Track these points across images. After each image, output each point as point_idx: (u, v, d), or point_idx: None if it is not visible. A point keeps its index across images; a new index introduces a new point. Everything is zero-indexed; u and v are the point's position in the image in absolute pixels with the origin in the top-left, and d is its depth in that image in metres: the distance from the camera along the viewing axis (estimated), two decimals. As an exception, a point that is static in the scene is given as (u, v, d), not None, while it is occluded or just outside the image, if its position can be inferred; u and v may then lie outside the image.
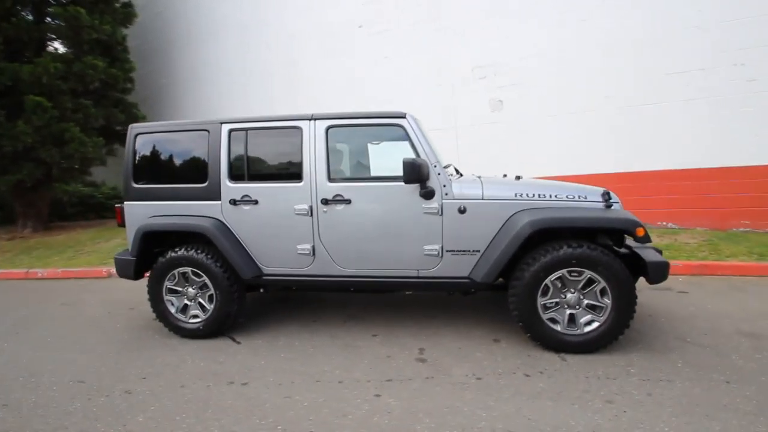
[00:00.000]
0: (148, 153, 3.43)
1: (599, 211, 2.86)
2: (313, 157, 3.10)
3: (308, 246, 3.14)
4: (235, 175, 3.23)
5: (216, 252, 3.23)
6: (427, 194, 2.96)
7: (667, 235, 5.94)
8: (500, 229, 2.93)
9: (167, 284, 3.33)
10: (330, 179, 3.09)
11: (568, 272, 2.76)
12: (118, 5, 9.16)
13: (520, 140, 7.27)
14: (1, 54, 7.50)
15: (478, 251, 2.98)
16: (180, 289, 3.35)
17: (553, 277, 2.77)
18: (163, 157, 3.42)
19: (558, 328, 2.82)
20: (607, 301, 2.75)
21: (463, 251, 2.99)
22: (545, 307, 2.83)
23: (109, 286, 5.35)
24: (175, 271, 3.29)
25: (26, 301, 4.79)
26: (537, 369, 2.65)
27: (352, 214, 3.07)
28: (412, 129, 3.02)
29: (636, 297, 2.75)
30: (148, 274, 3.45)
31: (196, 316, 3.34)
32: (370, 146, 3.70)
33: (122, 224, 3.51)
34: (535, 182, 3.18)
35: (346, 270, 3.15)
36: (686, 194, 6.31)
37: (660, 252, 3.03)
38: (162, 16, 11.19)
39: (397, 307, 3.88)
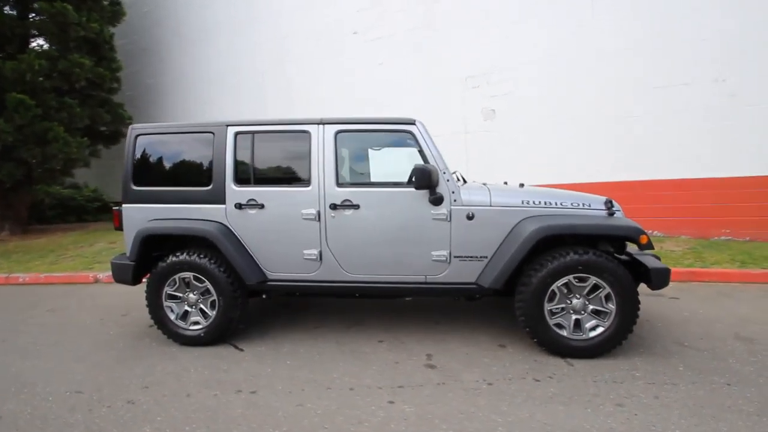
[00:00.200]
0: (149, 155, 3.34)
1: (604, 218, 2.94)
2: (322, 162, 3.08)
3: (315, 251, 3.11)
4: (241, 179, 3.18)
5: (219, 256, 3.16)
6: (436, 200, 2.98)
7: (654, 243, 6.12)
8: (507, 235, 2.98)
9: (167, 290, 3.24)
10: (339, 184, 3.08)
11: (574, 278, 2.82)
12: (106, 3, 8.95)
13: (510, 149, 7.41)
14: (-19, 49, 7.23)
15: (486, 257, 3.01)
16: (180, 294, 3.26)
17: (559, 283, 2.83)
18: (164, 159, 3.34)
19: (564, 333, 2.87)
20: (612, 306, 2.82)
21: (471, 257, 3.02)
22: (551, 313, 2.88)
23: (96, 291, 5.16)
24: (176, 277, 3.21)
25: (8, 308, 4.57)
26: (546, 374, 2.69)
27: (360, 220, 3.06)
28: (422, 135, 3.04)
29: (639, 302, 2.82)
30: (145, 280, 3.36)
31: (197, 323, 3.25)
32: (371, 152, 3.71)
33: (119, 227, 3.40)
34: (539, 190, 3.24)
35: (354, 275, 3.13)
36: (671, 203, 6.54)
37: (659, 259, 3.13)
38: (150, 16, 11.00)
39: (400, 313, 3.88)
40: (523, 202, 3.00)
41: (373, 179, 3.56)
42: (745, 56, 6.01)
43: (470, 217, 2.99)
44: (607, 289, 2.80)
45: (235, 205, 3.15)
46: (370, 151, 3.70)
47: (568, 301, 2.88)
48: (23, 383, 2.76)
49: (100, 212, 11.53)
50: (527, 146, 7.31)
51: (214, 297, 3.18)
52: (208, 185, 3.21)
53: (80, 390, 2.65)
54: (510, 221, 2.98)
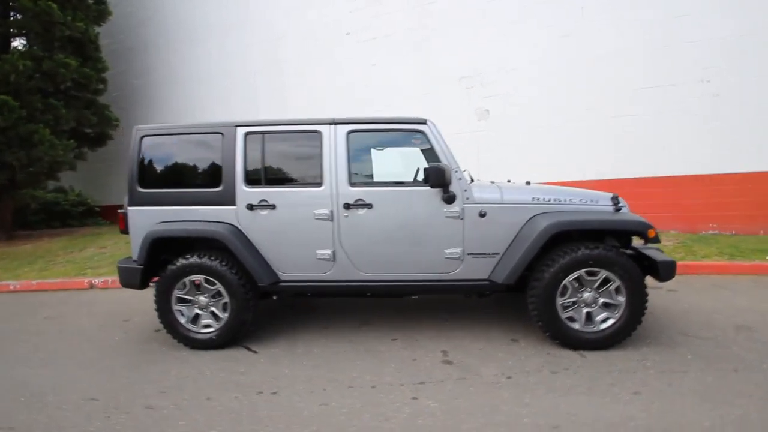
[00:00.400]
0: (155, 156, 3.28)
1: (613, 214, 3.02)
2: (334, 162, 3.09)
3: (329, 251, 3.11)
4: (251, 180, 3.15)
5: (230, 258, 3.13)
6: (449, 199, 3.02)
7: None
8: (519, 231, 3.03)
9: (177, 293, 3.18)
10: (351, 183, 3.09)
11: (585, 272, 2.89)
12: (91, 2, 8.71)
13: (504, 149, 7.52)
14: (-40, 50, 6.94)
15: (498, 254, 3.06)
16: (190, 297, 3.21)
17: (571, 277, 2.89)
18: (171, 160, 3.29)
19: (576, 326, 2.94)
20: (621, 299, 2.90)
21: (484, 254, 3.07)
22: (563, 307, 2.95)
23: (92, 298, 5.03)
24: (186, 279, 3.16)
25: (2, 316, 4.41)
26: (561, 366, 2.75)
27: (374, 219, 3.08)
28: (433, 135, 3.08)
29: (647, 294, 2.92)
30: (151, 284, 3.30)
31: (208, 326, 3.20)
32: (373, 152, 3.73)
33: (125, 231, 3.33)
34: (548, 187, 3.31)
35: (367, 275, 3.14)
36: (660, 199, 6.74)
37: (661, 252, 3.24)
38: (135, 15, 10.76)
39: (408, 312, 3.90)
40: (533, 199, 3.07)
41: (376, 179, 3.57)
42: (729, 59, 6.25)
43: (482, 215, 3.04)
44: (617, 282, 2.88)
45: (247, 206, 3.12)
46: (372, 150, 3.72)
47: (579, 295, 2.95)
48: (32, 393, 2.67)
49: (85, 217, 11.22)
50: (521, 145, 7.43)
51: (226, 299, 3.14)
52: (218, 186, 3.17)
53: (94, 397, 2.58)
54: (521, 218, 3.04)
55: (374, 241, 3.09)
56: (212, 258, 3.11)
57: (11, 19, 7.72)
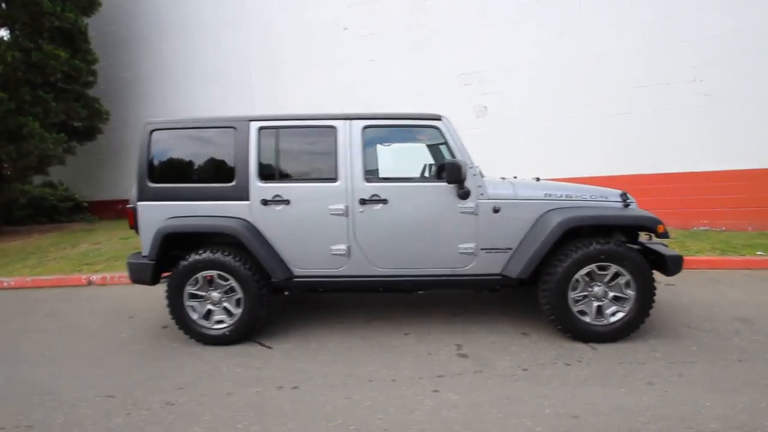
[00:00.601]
0: (165, 150, 3.23)
1: (624, 210, 3.10)
2: (349, 157, 3.09)
3: (343, 246, 3.11)
4: (265, 175, 3.13)
5: (243, 253, 3.11)
6: (464, 194, 3.05)
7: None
8: (532, 227, 3.09)
9: (189, 289, 3.15)
10: (367, 179, 3.09)
11: (596, 267, 2.97)
12: (80, -8, 8.46)
13: (502, 146, 7.60)
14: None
15: (510, 249, 3.11)
16: (203, 293, 3.18)
17: (582, 271, 2.96)
18: (183, 154, 3.24)
19: (587, 319, 3.01)
20: (631, 292, 2.98)
21: (497, 249, 3.11)
22: (574, 301, 3.02)
23: (92, 294, 4.93)
24: (199, 275, 3.12)
25: (1, 314, 4.29)
26: (574, 358, 2.82)
27: (389, 214, 3.09)
28: (448, 131, 3.10)
29: (655, 288, 3.00)
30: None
31: (221, 322, 3.18)
32: (379, 147, 3.73)
33: (134, 227, 3.28)
34: (558, 184, 3.37)
35: (382, 270, 3.16)
36: (654, 196, 6.90)
37: (666, 247, 3.33)
38: (125, 7, 10.49)
39: (417, 307, 3.93)
40: (546, 195, 3.12)
41: (381, 175, 3.57)
42: (720, 60, 6.43)
43: (496, 210, 3.08)
44: (627, 277, 2.96)
45: (261, 202, 3.10)
46: (378, 146, 3.73)
47: (590, 289, 3.02)
48: (45, 391, 2.62)
49: (73, 212, 10.93)
50: (519, 143, 7.52)
51: (240, 295, 3.12)
52: (231, 181, 3.14)
53: (111, 394, 2.55)
54: (534, 214, 3.09)
55: (389, 236, 3.10)
56: (226, 253, 3.08)
57: (-2, 8, 7.45)
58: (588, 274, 2.99)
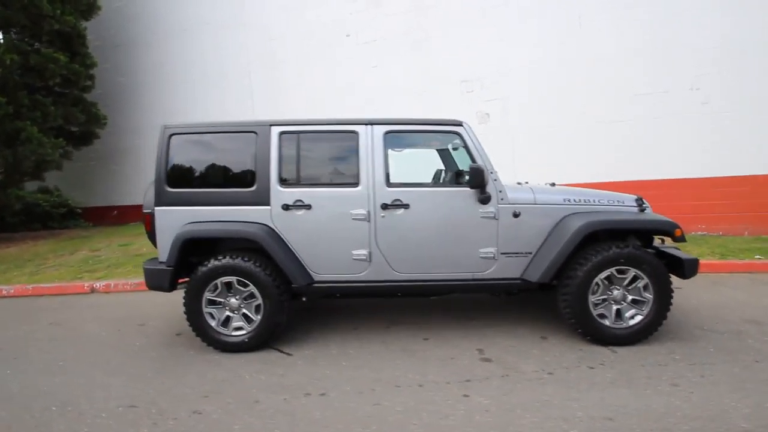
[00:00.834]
0: (183, 155, 3.20)
1: (640, 214, 3.16)
2: (371, 162, 3.10)
3: (365, 251, 3.11)
4: (286, 180, 3.12)
5: (263, 259, 3.08)
6: (485, 199, 3.08)
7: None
8: (551, 231, 3.12)
9: (207, 295, 3.10)
10: (388, 184, 3.10)
11: (616, 270, 3.01)
12: (79, -5, 8.38)
13: (503, 150, 7.67)
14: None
15: (530, 253, 3.14)
16: (221, 300, 3.14)
17: (602, 275, 3.00)
18: (202, 159, 3.22)
19: (607, 322, 3.05)
20: (649, 295, 3.03)
21: (517, 253, 3.14)
22: (594, 304, 3.05)
23: (95, 302, 4.83)
24: (218, 281, 3.09)
25: (4, 323, 4.17)
26: (596, 361, 2.85)
27: (411, 219, 3.10)
28: (469, 136, 3.14)
29: (672, 291, 3.06)
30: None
31: (239, 328, 3.14)
32: (391, 152, 3.75)
33: (151, 232, 3.23)
34: (575, 189, 3.43)
35: (402, 275, 3.16)
36: (653, 202, 7.02)
37: (679, 250, 3.40)
38: (123, 11, 10.41)
39: (432, 311, 3.93)
40: (564, 200, 3.17)
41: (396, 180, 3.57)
42: (717, 69, 6.63)
43: (516, 215, 3.12)
44: (645, 280, 3.01)
45: (282, 206, 3.09)
46: (390, 151, 3.74)
47: (609, 293, 3.06)
48: (63, 402, 2.55)
49: (66, 219, 10.71)
50: (519, 147, 7.62)
51: (260, 301, 3.09)
52: (251, 186, 3.12)
53: (133, 404, 2.49)
54: (553, 218, 3.13)
55: (411, 241, 3.11)
56: (246, 259, 3.05)
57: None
58: (607, 277, 3.03)
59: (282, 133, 3.13)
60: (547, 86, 7.43)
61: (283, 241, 3.11)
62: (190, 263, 3.19)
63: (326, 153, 3.21)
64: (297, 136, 3.13)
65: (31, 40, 7.37)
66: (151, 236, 3.27)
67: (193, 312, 3.11)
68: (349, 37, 8.60)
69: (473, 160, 3.11)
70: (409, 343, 3.24)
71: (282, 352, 3.16)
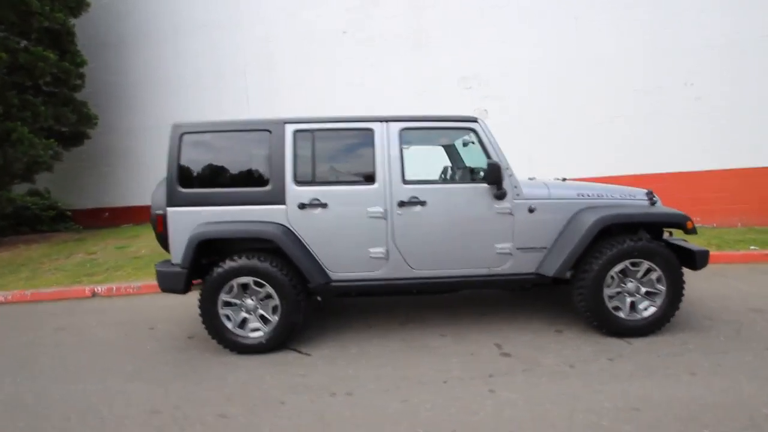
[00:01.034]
0: (196, 154, 3.14)
1: (654, 207, 3.21)
2: (387, 159, 3.09)
3: (382, 249, 3.10)
4: (302, 178, 3.09)
5: (279, 259, 3.05)
6: (501, 195, 3.09)
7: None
8: (566, 226, 3.16)
9: (223, 297, 3.06)
10: (404, 181, 3.10)
11: (630, 263, 3.06)
12: (68, -9, 8.14)
13: (504, 147, 7.74)
14: None
15: (545, 248, 3.17)
16: (237, 301, 3.10)
17: (617, 268, 3.05)
18: (215, 158, 3.16)
19: (621, 315, 3.10)
20: (662, 287, 3.09)
21: (532, 248, 3.17)
22: (609, 297, 3.10)
23: (98, 306, 4.72)
24: (234, 282, 3.04)
25: (6, 329, 4.06)
26: (614, 353, 2.89)
27: (427, 216, 3.10)
28: (484, 133, 3.15)
29: (684, 282, 3.12)
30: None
31: (256, 330, 3.11)
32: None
33: (163, 233, 3.16)
34: (587, 184, 3.47)
35: (419, 272, 3.16)
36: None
37: (688, 242, 3.47)
38: (111, 9, 10.13)
39: (444, 308, 3.94)
40: (578, 195, 3.21)
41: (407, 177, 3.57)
42: (710, 65, 6.78)
43: (531, 210, 3.14)
44: (659, 272, 3.06)
45: (298, 205, 3.06)
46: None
47: (623, 285, 3.11)
48: (83, 409, 2.49)
49: (56, 222, 10.43)
50: (516, 143, 7.67)
51: (277, 302, 3.06)
52: (266, 185, 3.09)
53: (156, 410, 2.45)
54: (568, 213, 3.17)
55: (428, 238, 3.11)
56: (262, 259, 3.02)
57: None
58: (621, 270, 3.07)
59: (297, 131, 3.09)
60: (547, 85, 7.49)
61: (300, 240, 3.08)
62: (200, 265, 3.14)
63: (341, 151, 3.19)
64: (312, 134, 3.10)
65: (20, 37, 7.13)
66: (162, 237, 3.21)
67: (209, 314, 3.06)
68: (346, 33, 8.53)
69: (488, 156, 3.13)
70: (427, 340, 3.25)
71: (300, 352, 3.14)
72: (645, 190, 3.36)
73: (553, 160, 7.46)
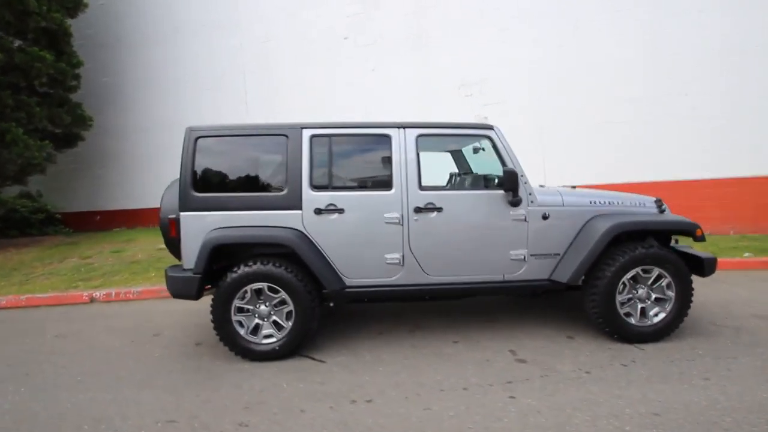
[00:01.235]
0: (210, 158, 3.11)
1: (664, 215, 3.28)
2: (404, 166, 3.10)
3: (398, 255, 3.10)
4: (318, 183, 3.08)
5: (294, 265, 3.02)
6: (516, 202, 3.13)
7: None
8: (578, 233, 3.20)
9: (236, 302, 3.02)
10: (421, 187, 3.11)
11: (641, 270, 3.11)
12: (65, -9, 8.02)
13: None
14: None
15: (558, 254, 3.21)
16: (250, 307, 3.06)
17: (629, 275, 3.10)
18: (230, 162, 3.14)
19: (632, 321, 3.14)
20: (671, 294, 3.15)
21: (546, 255, 3.20)
22: (621, 303, 3.14)
23: (98, 312, 4.61)
24: (248, 288, 3.00)
25: (4, 336, 3.92)
26: (628, 359, 2.93)
27: (443, 222, 3.11)
28: (500, 140, 3.18)
29: (693, 289, 3.18)
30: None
31: (270, 336, 3.07)
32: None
33: (175, 237, 3.11)
34: (597, 191, 3.53)
35: (434, 278, 3.17)
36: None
37: (693, 249, 3.55)
38: (107, 9, 10.03)
39: (453, 314, 3.95)
40: (590, 203, 3.26)
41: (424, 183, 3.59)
42: (705, 76, 6.98)
43: (545, 217, 3.18)
44: (668, 279, 3.12)
45: (314, 211, 3.04)
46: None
47: (635, 291, 3.16)
48: (95, 419, 2.42)
49: (45, 225, 10.17)
50: (517, 149, 7.77)
51: (291, 307, 3.03)
52: (282, 190, 3.07)
53: (172, 419, 2.39)
54: (581, 220, 3.21)
55: (444, 244, 3.12)
56: (277, 265, 2.99)
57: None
58: (633, 277, 3.13)
59: (313, 136, 3.09)
60: (547, 87, 7.62)
61: (315, 245, 3.06)
62: (211, 270, 3.09)
63: (358, 156, 3.19)
64: (329, 139, 3.10)
65: (16, 37, 6.98)
66: (174, 242, 3.16)
67: (221, 320, 3.01)
68: (348, 39, 8.57)
69: (504, 163, 3.16)
70: (441, 347, 3.25)
71: (314, 359, 3.10)
72: (653, 198, 3.43)
73: (550, 165, 7.58)
